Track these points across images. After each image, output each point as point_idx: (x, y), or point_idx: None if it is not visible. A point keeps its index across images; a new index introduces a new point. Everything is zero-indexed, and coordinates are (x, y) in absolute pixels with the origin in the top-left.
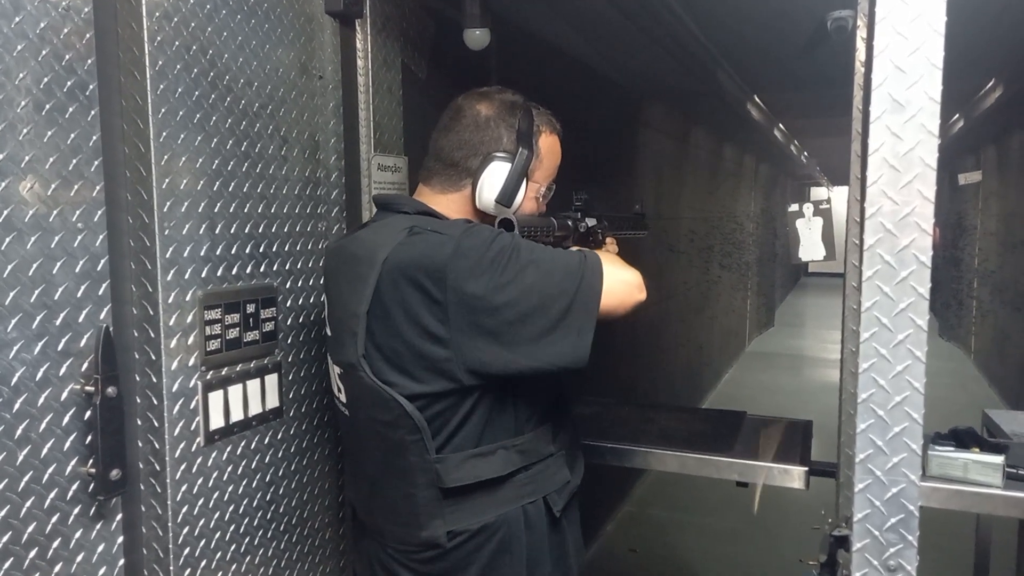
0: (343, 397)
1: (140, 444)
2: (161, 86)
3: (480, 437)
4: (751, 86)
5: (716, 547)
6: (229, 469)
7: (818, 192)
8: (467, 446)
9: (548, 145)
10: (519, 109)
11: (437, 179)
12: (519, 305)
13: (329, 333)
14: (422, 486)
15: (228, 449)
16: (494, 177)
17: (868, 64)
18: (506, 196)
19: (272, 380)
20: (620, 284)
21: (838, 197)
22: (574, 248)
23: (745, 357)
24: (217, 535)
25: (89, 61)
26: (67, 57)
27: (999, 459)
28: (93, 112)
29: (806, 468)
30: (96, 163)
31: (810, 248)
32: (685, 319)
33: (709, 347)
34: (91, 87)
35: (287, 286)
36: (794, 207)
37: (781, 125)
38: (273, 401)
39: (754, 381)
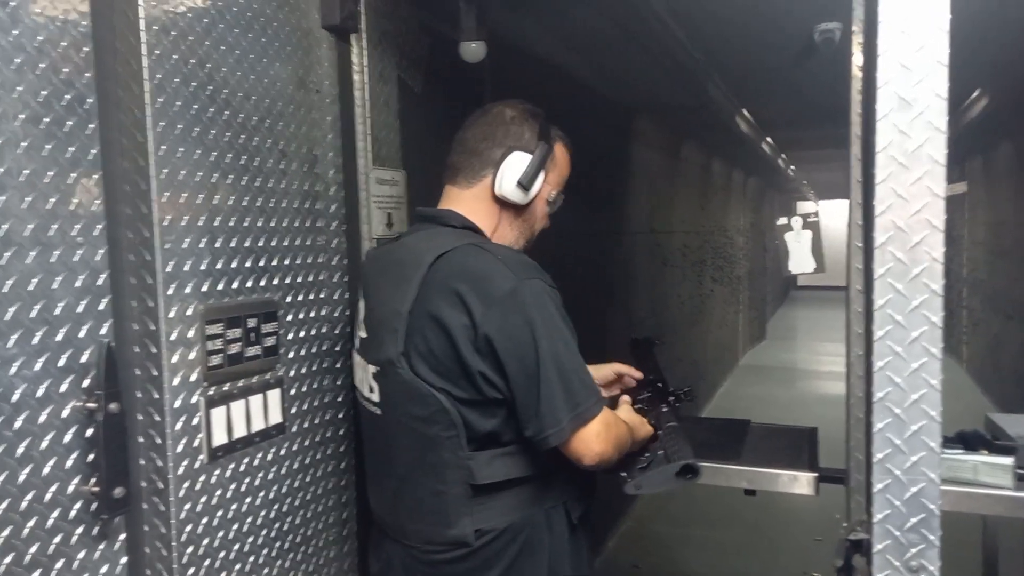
0: (375, 397)
1: (142, 462)
2: (160, 99)
3: (509, 438)
4: (739, 99)
5: (720, 561)
6: (233, 487)
7: (806, 206)
8: (496, 445)
9: (561, 154)
10: (540, 116)
11: (461, 174)
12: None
13: (364, 335)
14: (453, 483)
15: (231, 466)
16: (515, 164)
17: (867, 68)
18: (527, 178)
19: (275, 395)
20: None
21: (824, 211)
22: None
23: (738, 370)
24: (222, 554)
25: (87, 74)
26: (65, 70)
27: (1009, 461)
28: (92, 126)
29: (815, 474)
30: (95, 177)
31: (800, 261)
32: (679, 333)
33: (704, 361)
34: (89, 100)
35: (288, 300)
36: (783, 220)
37: (768, 138)
38: (276, 417)
39: (748, 394)
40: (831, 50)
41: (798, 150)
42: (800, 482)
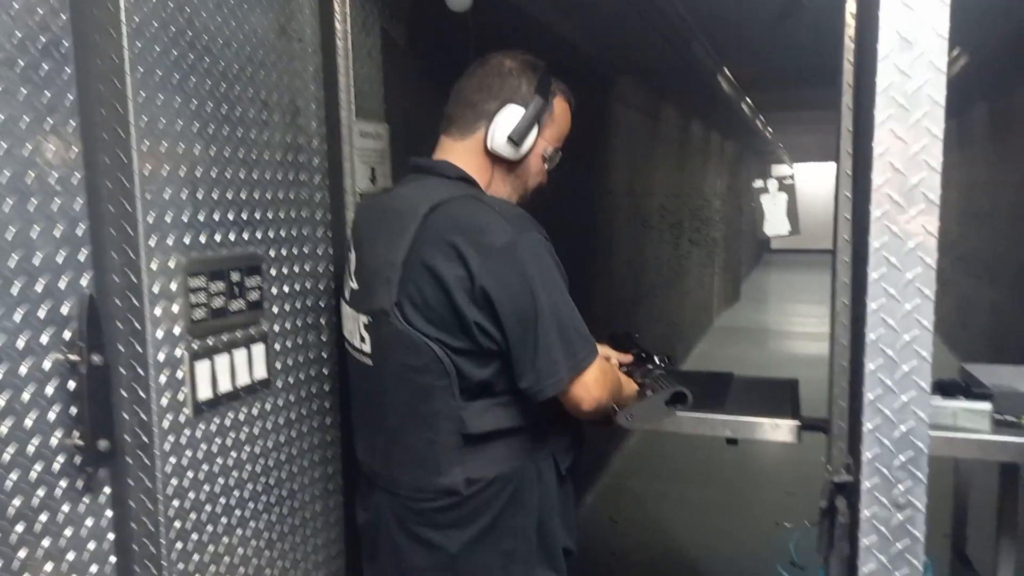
0: (367, 347)
1: (126, 416)
2: (138, 44)
3: (502, 388)
4: (722, 57)
5: (696, 516)
6: (218, 441)
7: (781, 169)
8: (489, 395)
9: (561, 109)
10: (540, 69)
11: (456, 125)
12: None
13: (355, 287)
14: (445, 432)
15: (216, 420)
16: (508, 118)
17: (860, 16)
18: (518, 133)
19: (259, 350)
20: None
21: (799, 174)
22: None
23: (713, 331)
24: (207, 508)
25: (63, 16)
26: (40, 11)
27: (987, 406)
28: (68, 70)
29: (797, 422)
30: (73, 124)
31: (775, 223)
32: (658, 294)
33: (680, 321)
34: (65, 44)
35: (272, 254)
36: (759, 183)
37: (748, 99)
38: (261, 372)
39: (723, 354)
40: (816, 5)
41: (776, 111)
42: (782, 430)
